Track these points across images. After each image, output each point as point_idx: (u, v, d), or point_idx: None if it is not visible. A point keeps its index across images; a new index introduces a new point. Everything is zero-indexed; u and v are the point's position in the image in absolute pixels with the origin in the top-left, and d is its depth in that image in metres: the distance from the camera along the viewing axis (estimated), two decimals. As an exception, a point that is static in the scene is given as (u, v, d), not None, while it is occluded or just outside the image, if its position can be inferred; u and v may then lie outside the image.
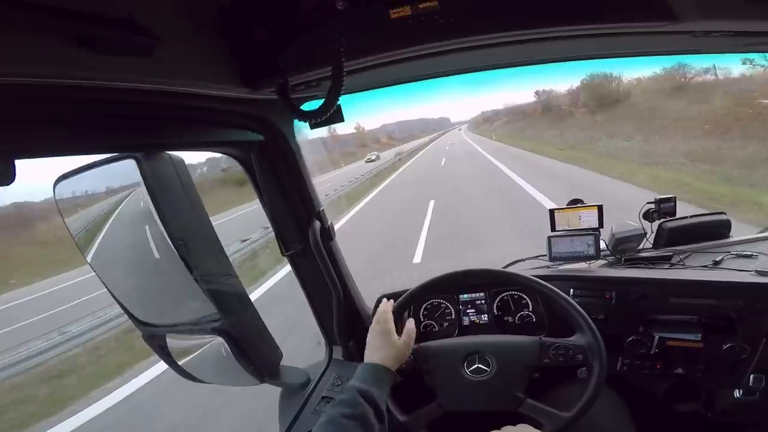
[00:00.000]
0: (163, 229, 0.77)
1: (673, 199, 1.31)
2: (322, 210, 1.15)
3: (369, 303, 1.38)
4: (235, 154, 0.96)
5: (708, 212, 1.45)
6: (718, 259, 1.20)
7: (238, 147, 0.94)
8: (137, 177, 0.77)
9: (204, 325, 0.93)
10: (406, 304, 1.09)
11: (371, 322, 1.25)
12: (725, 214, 1.42)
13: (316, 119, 0.71)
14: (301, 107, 0.95)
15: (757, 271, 1.07)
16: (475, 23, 0.59)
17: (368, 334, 0.97)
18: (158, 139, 0.71)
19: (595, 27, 0.59)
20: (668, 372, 1.15)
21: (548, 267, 1.34)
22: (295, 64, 0.70)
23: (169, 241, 0.79)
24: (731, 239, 1.37)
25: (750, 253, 1.21)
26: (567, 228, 1.26)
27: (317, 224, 1.13)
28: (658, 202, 1.31)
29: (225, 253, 0.90)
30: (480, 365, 0.98)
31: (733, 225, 1.40)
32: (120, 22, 0.49)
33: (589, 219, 1.23)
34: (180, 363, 1.05)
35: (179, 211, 0.80)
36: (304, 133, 1.09)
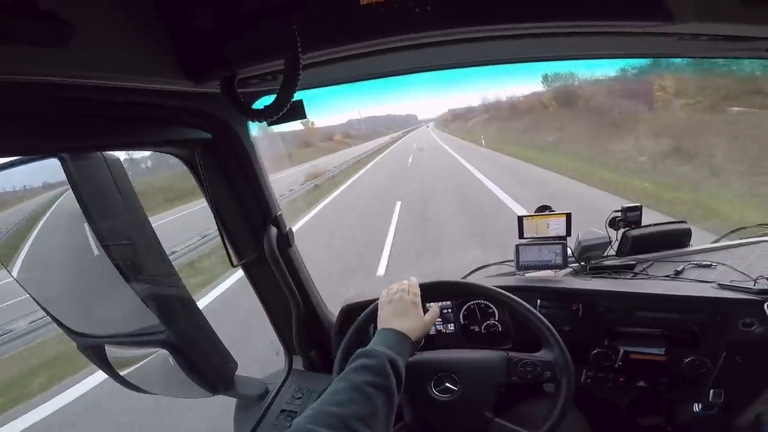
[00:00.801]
0: (93, 234, 0.69)
1: (639, 208, 1.31)
2: (280, 214, 1.07)
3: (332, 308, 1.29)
4: (177, 153, 0.86)
5: (670, 221, 1.45)
6: (679, 269, 1.21)
7: (182, 146, 0.85)
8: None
9: (146, 338, 0.85)
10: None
11: (336, 330, 1.20)
12: (686, 222, 1.44)
13: (267, 119, 0.62)
14: (258, 101, 0.87)
15: (718, 284, 1.07)
16: (456, 15, 0.52)
17: (390, 301, 0.86)
18: (83, 140, 0.61)
19: (589, 24, 0.54)
20: (631, 385, 1.14)
21: (514, 275, 1.31)
22: (246, 55, 0.61)
23: (101, 247, 0.71)
24: (691, 248, 1.38)
25: (709, 263, 1.23)
26: (535, 235, 1.23)
27: (273, 231, 1.04)
28: (625, 210, 1.31)
29: (167, 257, 0.82)
30: (448, 384, 0.94)
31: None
32: (21, 7, 0.40)
33: (557, 227, 1.20)
34: (123, 375, 0.96)
35: (113, 214, 0.71)
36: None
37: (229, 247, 1.01)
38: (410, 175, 13.08)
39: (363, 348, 0.72)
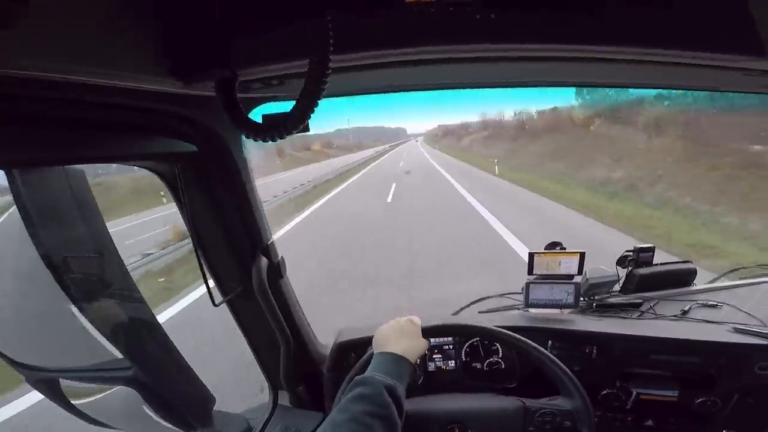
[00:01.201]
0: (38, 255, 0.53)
1: (652, 249, 1.24)
2: (272, 243, 0.90)
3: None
4: (154, 167, 0.69)
5: (676, 260, 1.39)
6: (686, 308, 1.16)
7: (160, 159, 0.68)
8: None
9: (109, 375, 0.69)
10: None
11: (329, 367, 1.07)
12: (691, 262, 1.38)
13: (274, 137, 0.47)
14: (255, 110, 0.71)
15: (734, 328, 1.02)
16: (526, 29, 0.41)
17: (391, 323, 0.82)
18: (33, 153, 0.45)
19: (675, 54, 0.45)
20: (640, 424, 1.08)
21: (518, 310, 1.22)
22: (253, 54, 0.46)
23: (55, 268, 0.56)
24: (694, 287, 1.33)
25: (714, 303, 1.18)
26: (545, 273, 1.13)
27: (263, 261, 0.87)
28: (638, 251, 1.24)
29: (131, 281, 0.66)
30: None
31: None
32: None
33: (569, 265, 1.10)
34: (85, 412, 0.79)
35: (69, 233, 0.55)
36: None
37: (211, 279, 0.84)
38: (390, 219, 7.54)
39: (360, 375, 0.68)
